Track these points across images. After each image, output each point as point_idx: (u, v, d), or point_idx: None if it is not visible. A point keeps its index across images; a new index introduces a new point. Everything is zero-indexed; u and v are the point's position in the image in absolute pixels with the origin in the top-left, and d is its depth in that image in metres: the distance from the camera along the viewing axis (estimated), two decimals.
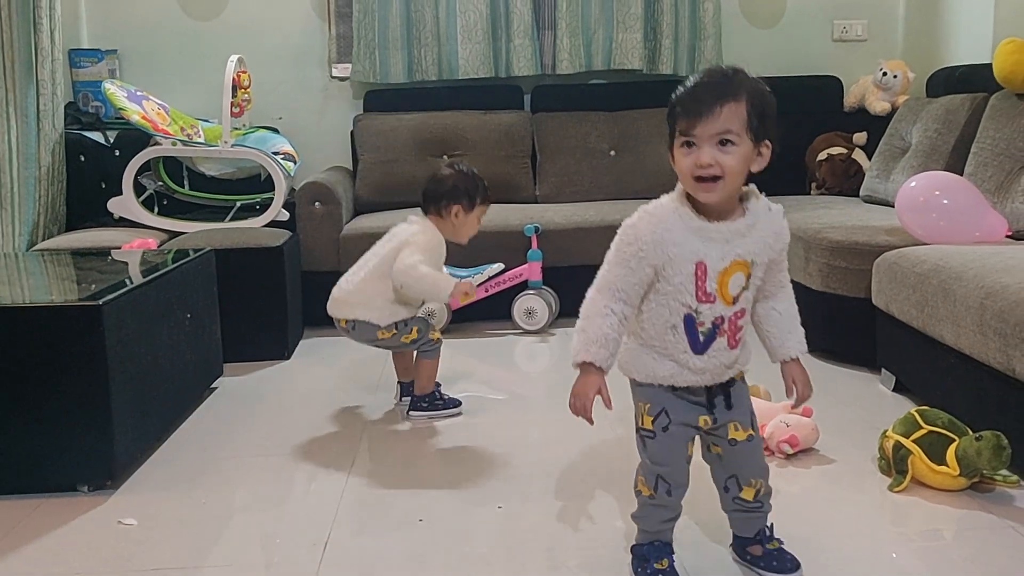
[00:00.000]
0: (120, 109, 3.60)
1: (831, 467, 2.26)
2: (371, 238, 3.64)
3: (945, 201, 2.84)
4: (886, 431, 2.21)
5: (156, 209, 3.85)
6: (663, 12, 4.32)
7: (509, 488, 2.19)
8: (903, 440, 2.12)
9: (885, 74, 4.21)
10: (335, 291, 2.64)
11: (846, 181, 4.13)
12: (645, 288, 1.58)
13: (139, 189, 3.74)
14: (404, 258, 2.52)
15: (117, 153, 3.99)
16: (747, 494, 1.71)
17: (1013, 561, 1.78)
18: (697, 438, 1.70)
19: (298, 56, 4.45)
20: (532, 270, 3.65)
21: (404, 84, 4.36)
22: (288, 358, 3.39)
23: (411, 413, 2.71)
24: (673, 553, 1.73)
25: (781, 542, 1.76)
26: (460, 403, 2.72)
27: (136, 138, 3.82)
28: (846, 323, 2.97)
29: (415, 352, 2.69)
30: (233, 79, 3.67)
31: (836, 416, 2.54)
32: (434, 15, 4.31)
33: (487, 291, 3.58)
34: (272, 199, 3.70)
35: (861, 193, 3.94)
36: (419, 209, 2.71)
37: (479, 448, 2.47)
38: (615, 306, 1.58)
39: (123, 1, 4.37)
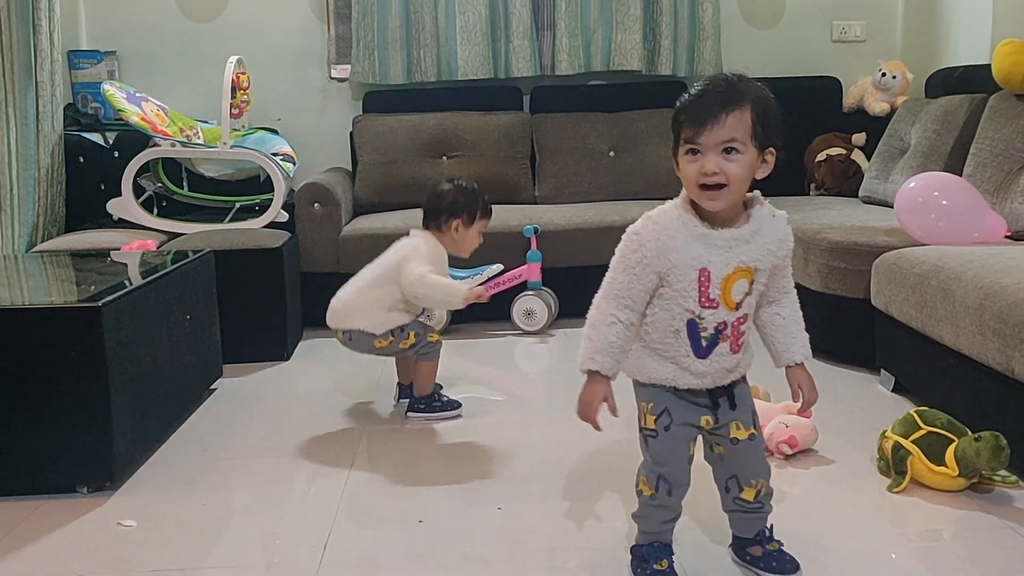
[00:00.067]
0: (119, 110, 3.60)
1: (830, 468, 2.27)
2: (370, 239, 3.69)
3: (944, 202, 2.84)
4: (885, 432, 2.21)
5: (155, 210, 3.85)
6: (662, 13, 4.33)
7: (508, 489, 2.19)
8: (902, 441, 2.12)
9: (884, 75, 4.21)
10: (332, 302, 2.65)
11: (845, 182, 4.13)
12: (650, 294, 1.59)
13: (138, 190, 3.74)
14: (412, 269, 2.54)
15: (116, 154, 3.99)
16: (748, 494, 1.71)
17: (1012, 561, 1.78)
18: (700, 439, 1.71)
19: (297, 57, 4.45)
20: (531, 271, 3.65)
21: (403, 85, 4.37)
22: (287, 359, 3.39)
23: (409, 414, 2.71)
24: (673, 554, 1.73)
25: (781, 543, 1.76)
26: (460, 405, 2.72)
27: (135, 139, 3.82)
28: (845, 324, 2.98)
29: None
30: (232, 80, 3.67)
31: (835, 417, 2.54)
32: (433, 16, 4.31)
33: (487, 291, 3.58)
34: (271, 200, 3.70)
35: (860, 194, 3.95)
36: (420, 224, 2.72)
37: (478, 449, 2.47)
38: (620, 314, 1.59)
39: (122, 2, 4.37)
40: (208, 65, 4.22)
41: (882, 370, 2.87)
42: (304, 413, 2.78)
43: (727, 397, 1.65)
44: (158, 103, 3.87)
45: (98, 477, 2.20)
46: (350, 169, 4.35)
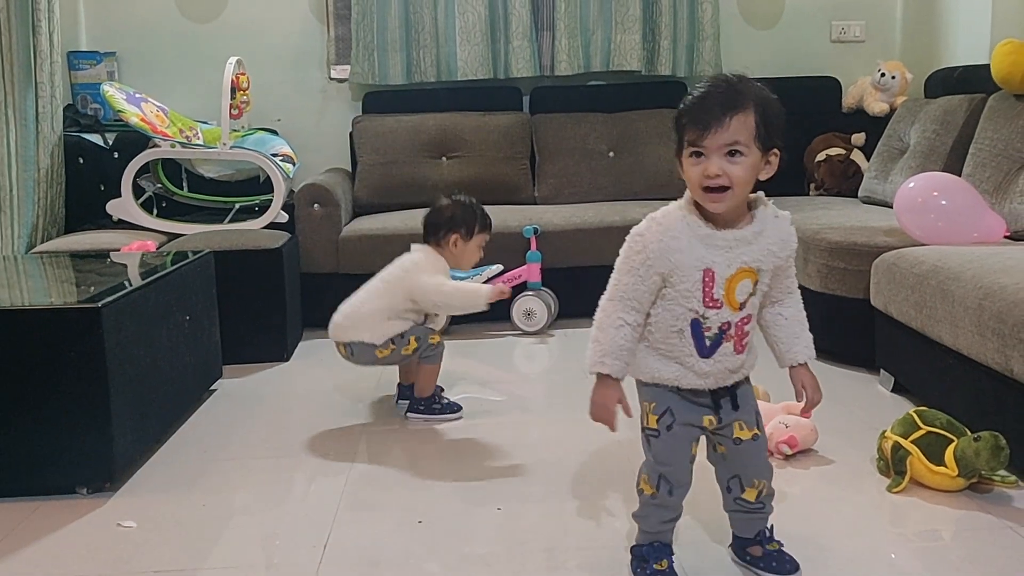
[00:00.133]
0: (119, 111, 3.60)
1: (830, 468, 2.27)
2: (370, 240, 3.69)
3: (943, 202, 2.84)
4: (884, 432, 2.21)
5: (155, 211, 3.86)
6: (662, 13, 4.33)
7: (508, 489, 2.19)
8: (902, 441, 2.12)
9: (883, 75, 4.21)
10: (334, 316, 2.66)
11: (844, 182, 4.14)
12: (654, 295, 1.60)
13: (138, 191, 3.74)
14: (426, 281, 2.58)
15: (116, 155, 3.99)
16: (749, 495, 1.71)
17: (1012, 561, 1.78)
18: (703, 439, 1.71)
19: (297, 58, 4.45)
20: (531, 271, 3.66)
21: (403, 86, 4.37)
22: (287, 360, 3.39)
23: (409, 415, 2.71)
24: (672, 554, 1.73)
25: (781, 544, 1.77)
26: (460, 408, 2.72)
27: (135, 140, 3.82)
28: (845, 324, 2.98)
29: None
30: (232, 81, 3.67)
31: (835, 417, 2.54)
32: (432, 17, 4.31)
33: None
34: (271, 201, 3.70)
35: (859, 194, 3.95)
36: (420, 221, 2.73)
37: (478, 449, 2.47)
38: (627, 316, 1.60)
39: (122, 3, 4.37)
40: (208, 66, 4.22)
41: (881, 370, 2.87)
42: (304, 414, 2.79)
43: (730, 398, 1.66)
44: (158, 104, 3.87)
45: (98, 478, 2.20)
46: (350, 170, 4.35)
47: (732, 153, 1.51)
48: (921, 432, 2.11)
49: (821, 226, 3.17)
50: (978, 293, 2.22)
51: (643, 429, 1.69)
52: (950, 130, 3.47)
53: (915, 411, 2.19)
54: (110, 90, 3.64)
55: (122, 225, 3.69)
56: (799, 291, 1.72)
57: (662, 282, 1.58)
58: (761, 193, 1.61)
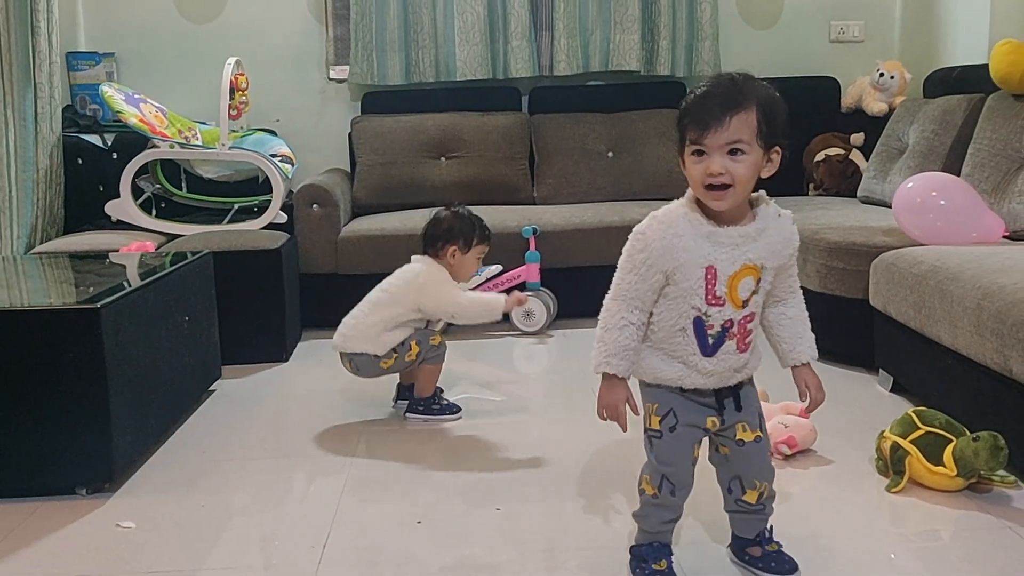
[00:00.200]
0: (118, 112, 3.60)
1: (829, 468, 2.27)
2: (369, 240, 3.69)
3: (942, 202, 2.84)
4: (883, 432, 2.21)
5: (154, 212, 3.85)
6: (660, 13, 4.33)
7: (507, 489, 2.19)
8: (900, 441, 2.12)
9: (882, 75, 4.21)
10: (339, 327, 2.67)
11: (843, 182, 4.14)
12: (657, 293, 1.60)
13: (137, 192, 3.74)
14: (441, 294, 2.61)
15: (115, 156, 3.98)
16: (750, 496, 1.71)
17: (1011, 561, 1.78)
18: (705, 439, 1.71)
19: (296, 58, 4.45)
20: (530, 271, 3.66)
21: (402, 86, 4.37)
22: (286, 360, 3.39)
23: (408, 415, 2.71)
24: (672, 555, 1.73)
25: (780, 544, 1.77)
26: (459, 410, 2.72)
27: (134, 141, 3.82)
28: (844, 324, 2.98)
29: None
30: (231, 81, 3.67)
31: (834, 417, 2.53)
32: (431, 17, 4.31)
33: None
34: (270, 201, 3.70)
35: (858, 194, 3.95)
36: (420, 222, 2.74)
37: (477, 449, 2.47)
38: (631, 316, 1.60)
39: (120, 4, 4.37)
40: (206, 66, 4.22)
41: (880, 370, 2.87)
42: (303, 414, 2.79)
43: (733, 398, 1.66)
44: (156, 104, 3.87)
45: (97, 478, 2.20)
46: (349, 170, 4.35)
47: (734, 152, 1.51)
48: (920, 432, 2.11)
49: (820, 226, 3.17)
50: (977, 293, 2.22)
51: (646, 430, 1.69)
52: (949, 130, 3.47)
53: (914, 411, 2.19)
54: (109, 91, 3.64)
55: (121, 226, 3.69)
56: (801, 291, 1.72)
57: (665, 280, 1.58)
58: (763, 192, 1.62)
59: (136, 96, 3.78)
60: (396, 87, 4.37)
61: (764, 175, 1.56)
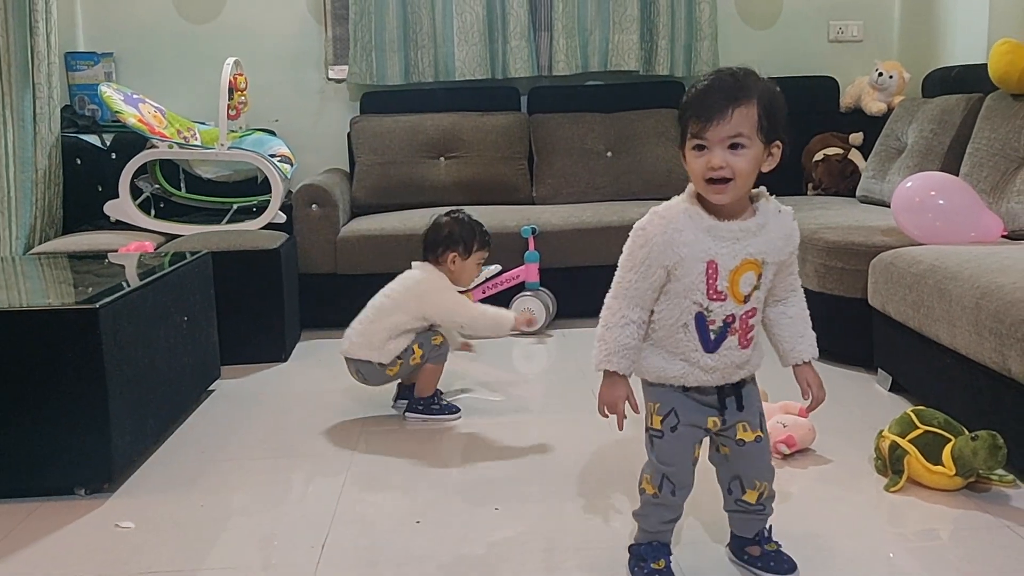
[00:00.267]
0: (116, 112, 3.60)
1: (828, 467, 2.27)
2: (368, 240, 3.69)
3: (941, 201, 2.84)
4: (882, 431, 2.22)
5: (153, 212, 3.85)
6: (659, 13, 4.33)
7: (506, 489, 2.19)
8: (899, 440, 2.12)
9: (881, 74, 4.21)
10: (346, 333, 2.68)
11: (842, 181, 4.14)
12: (658, 290, 1.60)
13: (136, 192, 3.73)
14: (444, 302, 2.63)
15: (113, 156, 3.98)
16: (750, 496, 1.71)
17: (1009, 560, 1.78)
18: (706, 439, 1.71)
19: (294, 58, 4.45)
20: (529, 271, 3.66)
21: (401, 86, 4.37)
22: (285, 360, 3.39)
23: (407, 415, 2.71)
24: (671, 555, 1.74)
25: (779, 544, 1.77)
26: (458, 411, 2.72)
27: (132, 141, 3.81)
28: (842, 323, 2.98)
29: None
30: (229, 81, 3.67)
31: (833, 416, 2.53)
32: (430, 17, 4.31)
33: (484, 292, 3.59)
34: (269, 202, 3.70)
35: (857, 193, 3.95)
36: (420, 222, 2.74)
37: (476, 449, 2.47)
38: (632, 313, 1.60)
39: (119, 4, 4.37)
40: (205, 66, 4.22)
41: (879, 369, 2.87)
42: (302, 414, 2.79)
43: (735, 397, 1.65)
44: (155, 105, 3.87)
45: (96, 479, 2.20)
46: (348, 170, 4.35)
47: (735, 146, 1.51)
48: (919, 431, 2.11)
49: (819, 226, 3.17)
50: (975, 292, 2.22)
51: (647, 429, 1.69)
52: (947, 129, 3.47)
53: (913, 410, 2.20)
54: (108, 91, 3.64)
55: (120, 226, 3.69)
56: (802, 290, 1.72)
57: (666, 276, 1.58)
58: (763, 188, 1.62)
59: (135, 96, 3.77)
60: (395, 87, 4.37)
61: (765, 169, 1.57)
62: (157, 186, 3.85)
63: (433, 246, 2.70)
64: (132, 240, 3.41)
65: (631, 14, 4.32)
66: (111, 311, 2.18)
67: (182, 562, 1.87)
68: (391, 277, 2.75)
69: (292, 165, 3.98)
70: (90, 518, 2.09)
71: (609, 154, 4.27)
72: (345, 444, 2.53)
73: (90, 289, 2.39)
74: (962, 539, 1.88)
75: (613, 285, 1.63)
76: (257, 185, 3.90)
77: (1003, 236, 2.88)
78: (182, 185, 3.96)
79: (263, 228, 3.64)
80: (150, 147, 3.68)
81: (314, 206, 3.72)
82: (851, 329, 2.95)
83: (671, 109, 4.24)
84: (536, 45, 4.39)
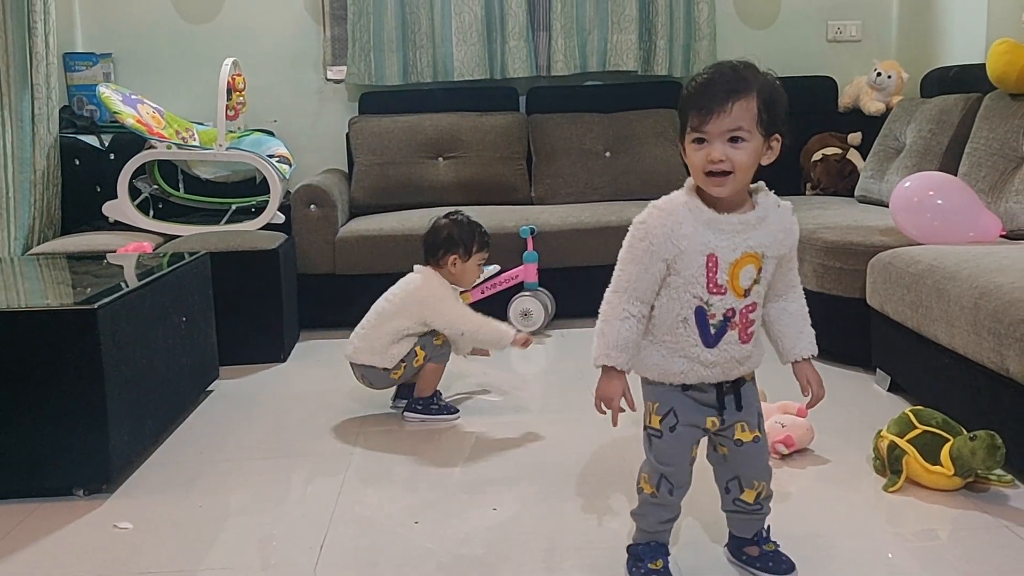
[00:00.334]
0: (115, 113, 3.59)
1: (826, 467, 2.27)
2: (367, 241, 3.69)
3: (939, 201, 2.84)
4: (881, 431, 2.22)
5: (151, 212, 3.85)
6: (658, 13, 4.33)
7: (505, 489, 2.19)
8: (897, 440, 2.12)
9: (879, 74, 4.22)
10: (351, 338, 2.69)
11: (841, 181, 4.14)
12: (659, 284, 1.59)
13: (134, 193, 3.73)
14: (446, 310, 2.63)
15: (112, 157, 3.98)
16: (748, 496, 1.71)
17: (1008, 560, 1.78)
18: (703, 439, 1.71)
19: (293, 59, 4.45)
20: (528, 271, 3.66)
21: (399, 86, 4.37)
22: (284, 361, 3.39)
23: (406, 414, 2.71)
24: (669, 555, 1.74)
25: (777, 544, 1.77)
26: (457, 411, 2.72)
27: (131, 141, 3.81)
28: (841, 323, 2.98)
29: None
30: (228, 82, 3.67)
31: (831, 416, 2.53)
32: (429, 17, 4.31)
33: (483, 293, 3.58)
34: (267, 202, 3.70)
35: (856, 193, 3.95)
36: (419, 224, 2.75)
37: (475, 449, 2.47)
38: (632, 308, 1.59)
39: (118, 4, 4.37)
40: (204, 67, 4.21)
41: (878, 369, 2.87)
42: (301, 414, 2.79)
43: (734, 396, 1.65)
44: (154, 105, 3.87)
45: (94, 480, 2.20)
46: (346, 170, 4.35)
47: (734, 139, 1.51)
48: (917, 431, 2.11)
49: (817, 225, 3.17)
50: (974, 292, 2.22)
51: (645, 428, 1.69)
52: (946, 129, 3.47)
53: (911, 410, 2.20)
54: (106, 91, 3.64)
55: (118, 227, 3.69)
56: (801, 286, 1.72)
57: (666, 269, 1.57)
58: (762, 183, 1.62)
59: (133, 97, 3.77)
60: (393, 87, 4.37)
61: (764, 162, 1.57)
62: (156, 187, 3.85)
63: (433, 249, 2.70)
64: (130, 241, 3.41)
65: (629, 14, 4.32)
66: (109, 312, 2.18)
67: (181, 563, 1.87)
68: (390, 277, 2.76)
69: (290, 165, 3.98)
70: (89, 519, 2.09)
71: (608, 154, 4.27)
72: (344, 444, 2.53)
73: (88, 290, 2.39)
74: (961, 539, 1.89)
75: (613, 280, 1.63)
76: (256, 186, 3.90)
77: (1001, 236, 2.88)
78: (181, 186, 3.96)
79: (262, 229, 3.64)
80: (148, 148, 3.68)
81: (313, 206, 3.72)
82: (849, 329, 2.95)
83: (670, 109, 4.25)
84: (535, 45, 4.39)
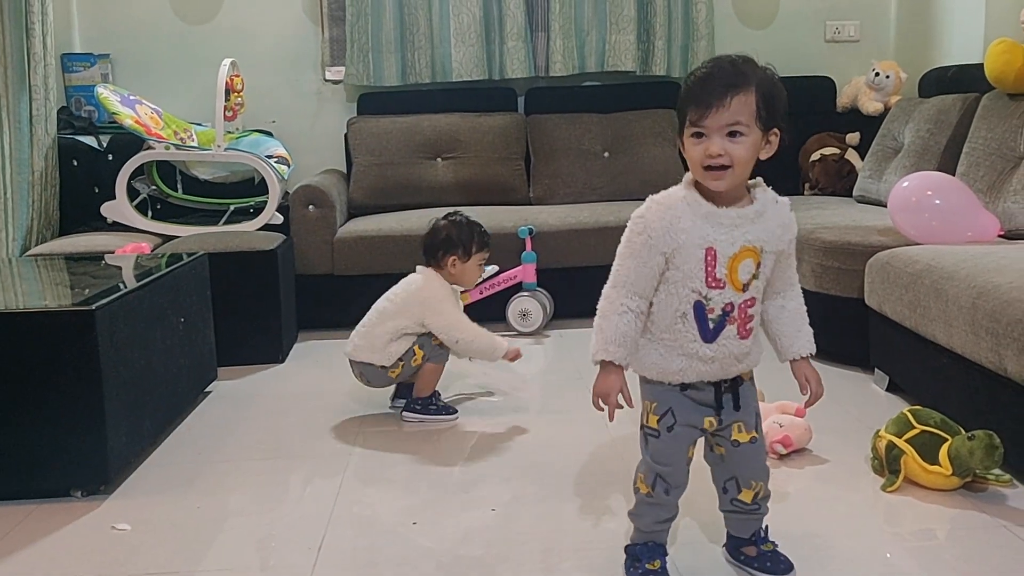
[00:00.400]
0: (113, 113, 3.59)
1: (824, 467, 2.27)
2: (365, 241, 3.69)
3: (937, 201, 2.85)
4: (879, 431, 2.22)
5: (149, 213, 3.85)
6: (656, 13, 4.33)
7: (504, 490, 2.19)
8: (896, 440, 2.12)
9: (877, 74, 4.22)
10: (351, 335, 2.69)
11: (839, 181, 4.14)
12: (657, 279, 1.59)
13: (132, 193, 3.73)
14: (444, 314, 2.63)
15: (110, 157, 3.98)
16: (746, 496, 1.71)
17: (1006, 560, 1.79)
18: (700, 439, 1.71)
19: (291, 59, 4.45)
20: (526, 272, 3.66)
21: (398, 87, 4.37)
22: (282, 361, 3.39)
23: (405, 414, 2.71)
24: (666, 555, 1.73)
25: (775, 544, 1.77)
26: (456, 412, 2.73)
27: (129, 142, 3.81)
28: (839, 323, 2.98)
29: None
30: (226, 83, 3.67)
31: (829, 416, 2.54)
32: (427, 18, 4.31)
33: (481, 293, 3.58)
34: (266, 203, 3.70)
35: (854, 193, 3.95)
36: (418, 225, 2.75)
37: (473, 450, 2.47)
38: (630, 302, 1.59)
39: (116, 5, 4.36)
40: (202, 68, 4.21)
41: (876, 369, 2.87)
42: (299, 415, 2.78)
43: (732, 396, 1.65)
44: (152, 106, 3.87)
45: (92, 481, 2.20)
46: (345, 171, 4.35)
47: (733, 133, 1.51)
48: (915, 431, 2.11)
49: (815, 225, 3.17)
50: (972, 292, 2.22)
51: (642, 427, 1.69)
52: (944, 129, 3.47)
53: (909, 410, 2.20)
54: (104, 92, 3.63)
55: (117, 227, 3.69)
56: (799, 284, 1.72)
57: (665, 263, 1.57)
58: (759, 178, 1.62)
59: (131, 97, 3.77)
60: (392, 88, 4.37)
61: (763, 157, 1.57)
62: (154, 187, 3.85)
63: (432, 250, 2.71)
64: (129, 241, 3.41)
65: (628, 15, 4.32)
66: (107, 313, 2.17)
67: (179, 564, 1.87)
68: (388, 278, 2.76)
69: (289, 166, 3.98)
70: (87, 520, 2.09)
71: (606, 154, 4.27)
72: (342, 445, 2.53)
73: (87, 291, 2.39)
74: (959, 539, 1.89)
75: (611, 275, 1.62)
76: (254, 186, 3.90)
77: (999, 236, 2.88)
78: (179, 186, 3.96)
79: (260, 229, 3.64)
80: (147, 148, 3.67)
81: (311, 207, 3.72)
82: (848, 329, 2.95)
83: (668, 109, 4.25)
84: (533, 46, 4.39)
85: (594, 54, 4.41)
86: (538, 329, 3.66)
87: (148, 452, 2.48)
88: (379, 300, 2.70)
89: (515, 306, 3.65)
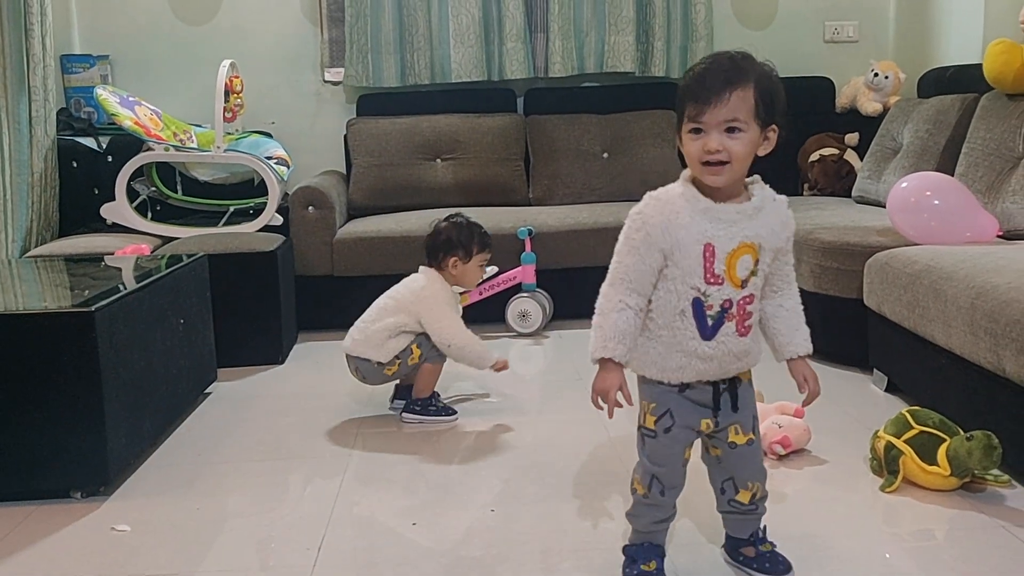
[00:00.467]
0: (112, 115, 3.59)
1: (823, 468, 2.27)
2: (365, 242, 3.70)
3: (936, 201, 2.85)
4: (877, 431, 2.22)
5: (149, 215, 3.85)
6: (655, 14, 4.34)
7: (503, 490, 2.19)
8: (894, 440, 2.13)
9: (876, 75, 4.22)
10: (350, 330, 2.70)
11: (838, 182, 4.15)
12: (656, 276, 1.59)
13: (132, 195, 3.73)
14: (441, 317, 2.63)
15: (110, 159, 3.98)
16: (743, 497, 1.71)
17: (1005, 561, 1.79)
18: (696, 439, 1.71)
19: (291, 60, 4.45)
20: (525, 273, 3.66)
21: (397, 88, 4.37)
22: (282, 363, 3.39)
23: (404, 415, 2.72)
24: (663, 556, 1.73)
25: (774, 544, 1.77)
26: (455, 413, 2.73)
27: (129, 143, 3.82)
28: (838, 324, 2.98)
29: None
30: (225, 84, 3.67)
31: (828, 417, 2.54)
32: (426, 19, 4.32)
33: (481, 294, 3.58)
34: (265, 204, 3.70)
35: (853, 194, 3.95)
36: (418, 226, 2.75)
37: (472, 451, 2.47)
38: (629, 299, 1.59)
39: (115, 6, 4.37)
40: (201, 69, 4.22)
41: (875, 370, 2.88)
42: (299, 416, 2.79)
43: (730, 396, 1.65)
44: (151, 107, 3.87)
45: (92, 482, 2.20)
46: (344, 172, 4.35)
47: (731, 129, 1.51)
48: (914, 432, 2.12)
49: (814, 226, 3.17)
50: (970, 292, 2.23)
51: (639, 428, 1.69)
52: (943, 130, 3.47)
53: (908, 410, 2.20)
54: (103, 93, 3.63)
55: (116, 229, 3.69)
56: (796, 283, 1.72)
57: (663, 260, 1.57)
58: (757, 176, 1.62)
59: (131, 99, 3.77)
60: (391, 89, 4.37)
61: (761, 153, 1.57)
62: (153, 189, 3.85)
63: (434, 252, 2.72)
64: (128, 243, 3.41)
65: (627, 15, 4.32)
66: (107, 314, 2.18)
67: (179, 565, 1.88)
68: (388, 279, 2.76)
69: (288, 167, 3.98)
70: (86, 521, 2.09)
71: (605, 155, 4.28)
72: (342, 445, 2.53)
73: (86, 292, 2.39)
74: (957, 539, 1.89)
75: (609, 272, 1.62)
76: (253, 187, 3.91)
77: (998, 236, 2.88)
78: (178, 188, 3.96)
79: (260, 230, 3.64)
80: (146, 149, 3.68)
81: (311, 208, 3.72)
82: (847, 329, 2.96)
83: (667, 110, 4.25)
84: (532, 47, 4.39)
85: (593, 55, 4.41)
86: (537, 330, 3.66)
87: (148, 453, 2.48)
88: (380, 297, 2.70)
89: (514, 307, 3.65)
